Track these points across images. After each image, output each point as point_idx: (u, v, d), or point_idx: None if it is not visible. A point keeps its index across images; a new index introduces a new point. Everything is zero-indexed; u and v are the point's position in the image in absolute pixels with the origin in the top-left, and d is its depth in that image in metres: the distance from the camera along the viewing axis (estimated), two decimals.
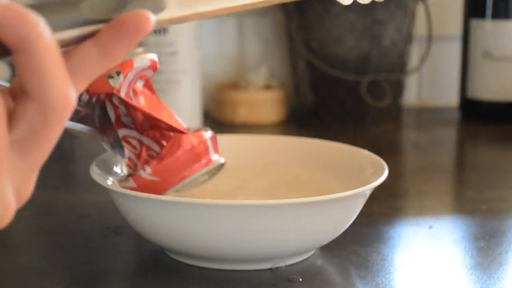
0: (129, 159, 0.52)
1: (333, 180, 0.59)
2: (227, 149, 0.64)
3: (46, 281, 0.50)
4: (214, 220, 0.48)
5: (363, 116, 1.01)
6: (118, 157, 0.54)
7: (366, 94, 0.98)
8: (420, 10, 1.05)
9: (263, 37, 1.14)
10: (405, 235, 0.61)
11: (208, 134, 0.54)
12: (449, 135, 1.02)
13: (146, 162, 0.52)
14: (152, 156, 0.52)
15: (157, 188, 0.52)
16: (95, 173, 0.53)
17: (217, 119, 1.04)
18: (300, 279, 0.50)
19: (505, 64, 1.02)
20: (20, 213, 0.65)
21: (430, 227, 0.61)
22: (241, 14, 1.13)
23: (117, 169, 0.58)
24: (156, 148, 0.52)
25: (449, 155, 0.95)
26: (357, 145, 0.61)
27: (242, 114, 1.02)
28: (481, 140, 0.98)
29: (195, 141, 0.53)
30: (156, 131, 0.52)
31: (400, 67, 1.02)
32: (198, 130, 0.54)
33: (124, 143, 0.52)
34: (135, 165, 0.52)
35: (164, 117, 0.52)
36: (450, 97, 1.13)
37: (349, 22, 0.97)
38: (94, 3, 0.32)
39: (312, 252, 0.54)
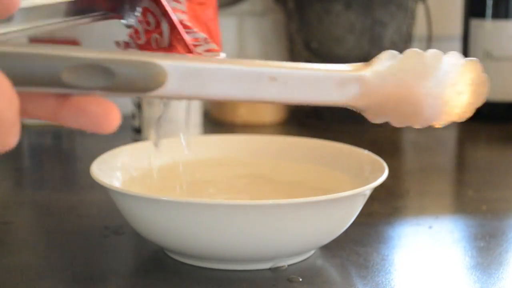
0: (136, 31, 0.50)
1: (333, 180, 0.59)
2: (227, 149, 0.64)
3: (46, 281, 0.50)
4: (214, 220, 0.48)
5: (363, 116, 1.01)
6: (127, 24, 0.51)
7: None
8: (420, 10, 1.05)
9: (263, 37, 1.14)
10: (405, 235, 0.61)
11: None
12: (449, 135, 1.02)
13: (148, 44, 0.50)
14: (158, 44, 0.50)
15: None
16: (95, 173, 0.53)
17: (217, 119, 1.04)
18: (300, 279, 0.50)
19: (505, 64, 1.02)
20: (20, 213, 0.65)
21: (430, 227, 0.61)
22: (241, 14, 1.13)
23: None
24: (166, 41, 0.50)
25: (449, 155, 0.95)
26: (357, 145, 0.61)
27: (242, 114, 1.02)
28: (481, 140, 0.98)
29: None
30: (177, 35, 0.50)
31: None
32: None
33: (141, 15, 0.49)
34: (138, 39, 0.50)
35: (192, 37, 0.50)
36: None
37: (349, 22, 0.97)
38: (77, 71, 0.29)
39: (312, 252, 0.54)
